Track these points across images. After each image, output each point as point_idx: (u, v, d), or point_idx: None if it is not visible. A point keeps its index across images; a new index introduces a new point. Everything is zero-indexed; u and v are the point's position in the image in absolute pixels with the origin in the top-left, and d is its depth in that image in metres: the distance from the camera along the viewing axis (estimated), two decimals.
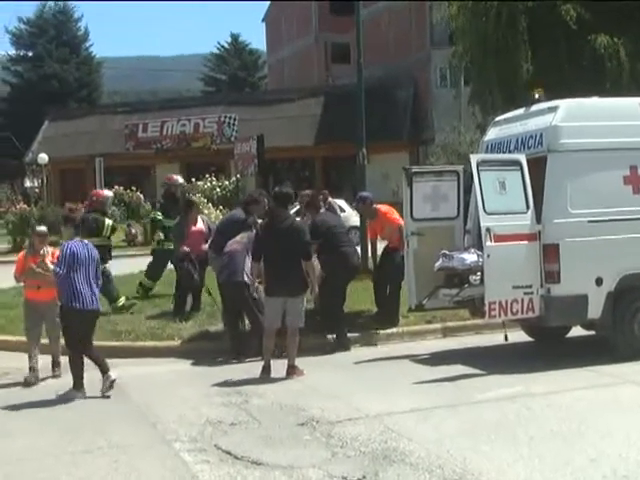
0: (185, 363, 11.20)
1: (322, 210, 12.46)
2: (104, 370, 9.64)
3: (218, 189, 32.66)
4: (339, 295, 11.75)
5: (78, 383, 9.61)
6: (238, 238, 11.50)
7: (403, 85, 45.95)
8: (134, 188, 34.90)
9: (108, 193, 15.90)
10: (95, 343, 11.88)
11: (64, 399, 9.46)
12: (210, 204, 28.58)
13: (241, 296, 11.12)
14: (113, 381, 9.57)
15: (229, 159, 28.89)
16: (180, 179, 16.53)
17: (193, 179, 31.21)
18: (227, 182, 32.28)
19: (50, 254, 10.30)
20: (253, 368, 10.48)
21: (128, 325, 12.72)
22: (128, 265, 19.76)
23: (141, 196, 34.15)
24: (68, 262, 9.49)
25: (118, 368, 11.03)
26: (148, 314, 13.44)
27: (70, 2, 76.84)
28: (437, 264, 10.79)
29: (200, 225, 13.62)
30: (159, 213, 15.67)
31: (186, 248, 13.19)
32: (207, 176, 30.60)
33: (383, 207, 12.93)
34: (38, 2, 74.30)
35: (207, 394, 9.43)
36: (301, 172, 46.86)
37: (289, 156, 44.33)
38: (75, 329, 9.74)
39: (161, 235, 15.09)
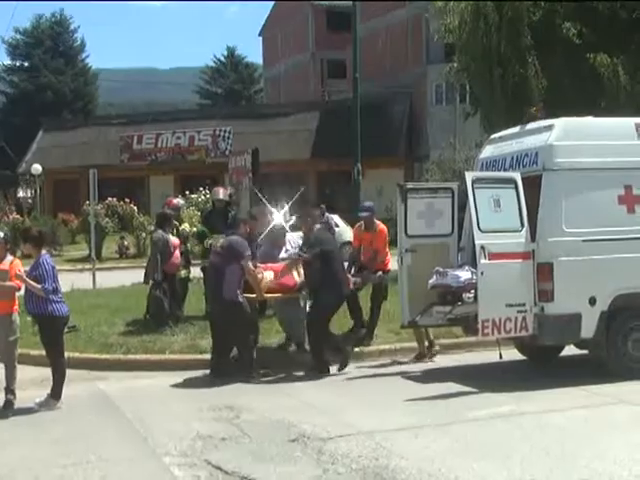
0: (176, 376, 11.14)
1: (317, 225, 12.27)
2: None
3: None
4: (325, 323, 11.30)
5: (61, 393, 9.65)
6: (218, 247, 11.28)
7: (399, 101, 46.11)
8: (127, 200, 34.89)
9: (180, 201, 15.61)
10: (86, 356, 11.96)
11: (50, 409, 9.47)
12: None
13: (230, 318, 10.77)
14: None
15: (224, 172, 28.90)
16: (221, 194, 14.85)
17: (187, 192, 31.23)
18: None
19: (14, 263, 9.67)
20: (244, 383, 10.48)
21: (119, 338, 12.70)
22: (120, 277, 19.79)
23: (135, 208, 34.16)
24: (52, 275, 9.52)
25: (109, 381, 11.05)
26: (139, 327, 13.37)
27: (67, 9, 76.52)
28: (431, 281, 10.79)
29: (174, 238, 13.55)
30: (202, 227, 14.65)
31: (158, 277, 13.08)
32: (201, 189, 30.62)
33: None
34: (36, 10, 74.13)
35: (198, 408, 9.40)
36: (296, 187, 46.85)
37: (284, 170, 44.35)
38: (61, 335, 9.85)
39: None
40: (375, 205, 12.96)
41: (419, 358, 11.84)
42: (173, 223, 13.70)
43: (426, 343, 11.93)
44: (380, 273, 12.26)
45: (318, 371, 11.09)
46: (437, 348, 12.02)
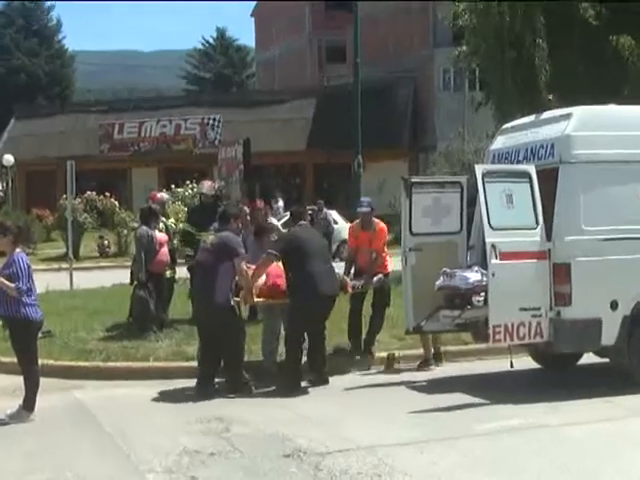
0: (161, 386, 11.11)
1: (303, 222, 12.04)
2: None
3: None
4: (297, 331, 11.01)
5: (34, 404, 9.61)
6: (208, 244, 11.10)
7: (403, 85, 46.12)
8: (108, 194, 34.85)
9: (165, 195, 15.72)
10: (61, 363, 11.93)
11: (22, 421, 9.41)
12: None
13: (223, 324, 10.57)
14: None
15: (212, 164, 28.93)
16: (205, 187, 15.12)
17: (173, 185, 31.29)
18: None
19: None
20: (235, 394, 10.48)
21: (98, 343, 12.68)
22: (100, 277, 19.77)
23: (116, 203, 34.12)
24: (27, 274, 9.49)
25: (86, 391, 11.03)
26: (120, 332, 13.34)
27: None
28: (437, 283, 10.79)
29: (162, 234, 13.52)
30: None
31: (142, 277, 13.03)
32: (188, 182, 30.63)
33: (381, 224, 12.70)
34: None
35: (185, 420, 9.39)
36: (291, 180, 46.92)
37: (278, 162, 44.36)
38: (35, 341, 9.80)
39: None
40: (377, 201, 12.91)
41: (424, 365, 11.84)
42: (160, 219, 13.68)
43: (432, 350, 11.93)
44: (380, 276, 12.21)
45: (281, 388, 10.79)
46: (443, 363, 12.03)
